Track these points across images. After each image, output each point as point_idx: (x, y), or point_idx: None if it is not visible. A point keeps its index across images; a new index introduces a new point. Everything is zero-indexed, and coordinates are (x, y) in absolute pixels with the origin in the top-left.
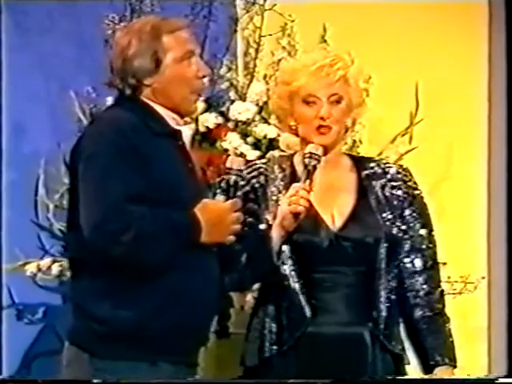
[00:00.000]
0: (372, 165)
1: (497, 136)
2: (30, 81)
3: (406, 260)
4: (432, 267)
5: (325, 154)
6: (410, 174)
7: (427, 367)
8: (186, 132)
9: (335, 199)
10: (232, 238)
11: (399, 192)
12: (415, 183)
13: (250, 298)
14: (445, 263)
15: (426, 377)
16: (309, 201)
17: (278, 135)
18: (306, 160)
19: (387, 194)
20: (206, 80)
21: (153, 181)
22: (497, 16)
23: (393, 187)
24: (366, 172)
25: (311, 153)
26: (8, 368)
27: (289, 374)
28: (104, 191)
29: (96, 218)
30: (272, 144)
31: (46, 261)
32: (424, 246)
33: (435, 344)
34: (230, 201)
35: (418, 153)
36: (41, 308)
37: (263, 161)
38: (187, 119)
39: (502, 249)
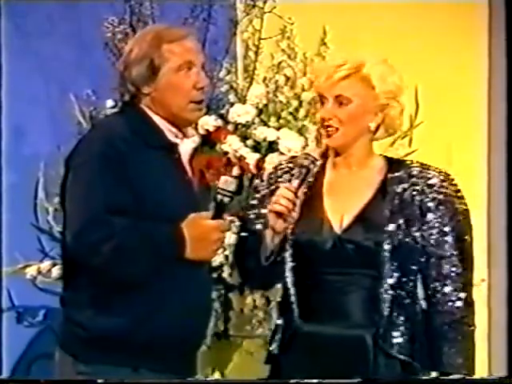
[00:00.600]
0: (402, 168)
1: (497, 137)
2: (30, 84)
3: (429, 266)
4: (458, 274)
5: (335, 157)
6: (443, 180)
7: (443, 374)
8: (187, 145)
9: (350, 201)
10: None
11: (422, 197)
12: (447, 188)
13: (249, 300)
14: None
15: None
16: (293, 201)
17: (278, 138)
18: (299, 161)
19: (407, 198)
20: (205, 90)
21: (141, 194)
22: (497, 16)
23: (414, 191)
24: (392, 175)
25: (307, 154)
26: (8, 370)
27: (292, 373)
28: (87, 201)
29: (77, 227)
30: (272, 147)
31: (46, 264)
32: (449, 253)
33: (452, 352)
34: (218, 220)
35: (418, 155)
36: (41, 311)
37: (290, 161)
38: (193, 132)
39: (502, 251)
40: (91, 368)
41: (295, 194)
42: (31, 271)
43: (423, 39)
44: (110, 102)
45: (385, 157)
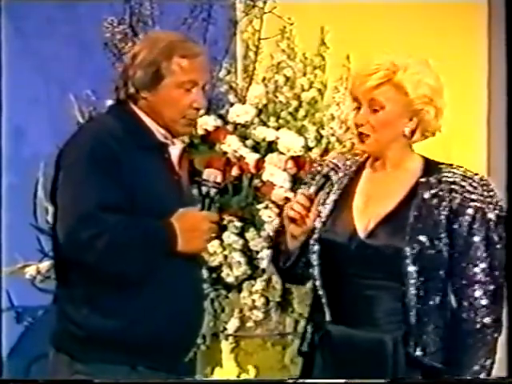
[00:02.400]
0: (435, 171)
1: (496, 136)
2: (30, 84)
3: (457, 273)
4: (484, 282)
5: (374, 160)
6: (474, 185)
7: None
8: (175, 146)
9: (379, 204)
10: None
11: (449, 203)
12: (478, 194)
13: (248, 300)
14: None
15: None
16: (307, 207)
17: (277, 138)
18: (319, 168)
19: (434, 204)
20: (200, 111)
21: (133, 191)
22: (497, 16)
23: (442, 197)
24: (423, 179)
25: (329, 161)
26: (8, 371)
27: (314, 374)
28: (78, 199)
29: (69, 225)
30: (271, 147)
31: (46, 264)
32: (477, 261)
33: (473, 358)
34: (206, 212)
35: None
36: (40, 311)
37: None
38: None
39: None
40: (88, 367)
41: (311, 200)
42: (30, 271)
43: (423, 39)
44: (109, 102)
45: (424, 158)
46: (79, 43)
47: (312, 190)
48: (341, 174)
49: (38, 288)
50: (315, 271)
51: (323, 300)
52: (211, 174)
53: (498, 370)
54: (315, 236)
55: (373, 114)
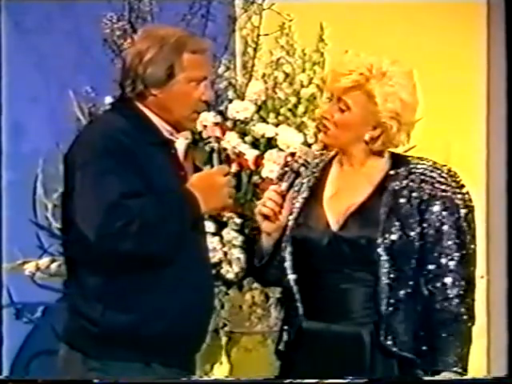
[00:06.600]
0: (403, 164)
1: (496, 136)
2: (29, 80)
3: (429, 262)
4: (456, 271)
5: (342, 155)
6: (443, 175)
7: (436, 371)
8: (181, 142)
9: (349, 198)
10: (231, 201)
11: (420, 193)
12: (446, 184)
13: (248, 297)
14: None
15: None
16: (280, 203)
17: (277, 134)
18: (290, 164)
19: (405, 194)
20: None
21: (149, 181)
22: (496, 16)
23: (412, 188)
24: (392, 172)
25: (299, 156)
26: (7, 367)
27: (298, 372)
28: (102, 193)
29: (98, 220)
30: (270, 143)
31: (45, 260)
32: (449, 250)
33: (447, 349)
34: (216, 166)
35: (417, 152)
36: (40, 307)
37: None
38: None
39: (502, 248)
40: (103, 364)
41: (283, 196)
42: (30, 267)
43: (422, 37)
44: (108, 99)
45: (390, 152)
46: (78, 39)
47: (284, 186)
48: (309, 172)
49: (38, 284)
50: (288, 267)
51: (296, 296)
52: (210, 130)
53: (498, 370)
54: (288, 232)
55: (338, 112)
